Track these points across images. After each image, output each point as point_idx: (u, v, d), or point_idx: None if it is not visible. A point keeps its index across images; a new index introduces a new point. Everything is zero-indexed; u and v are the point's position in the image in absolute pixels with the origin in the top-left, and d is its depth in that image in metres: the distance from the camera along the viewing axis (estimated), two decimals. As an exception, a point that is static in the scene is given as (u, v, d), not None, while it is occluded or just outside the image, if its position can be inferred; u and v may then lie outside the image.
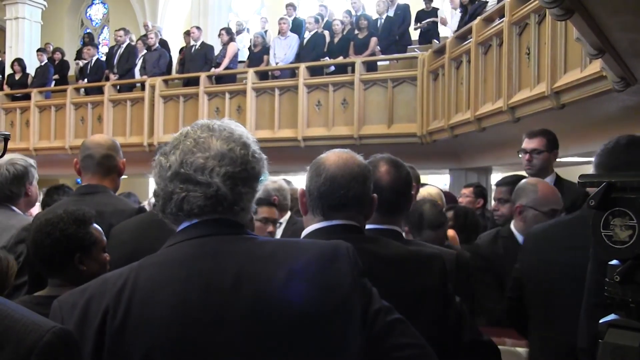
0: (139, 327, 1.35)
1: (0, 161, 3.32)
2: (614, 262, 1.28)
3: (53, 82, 14.76)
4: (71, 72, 15.29)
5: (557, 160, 4.58)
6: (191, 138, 1.48)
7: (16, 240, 3.05)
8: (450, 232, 4.75)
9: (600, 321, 1.29)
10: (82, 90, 14.19)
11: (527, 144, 4.43)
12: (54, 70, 14.88)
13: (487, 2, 9.47)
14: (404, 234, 2.46)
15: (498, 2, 8.34)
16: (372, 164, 2.39)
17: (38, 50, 15.28)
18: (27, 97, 14.41)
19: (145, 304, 1.37)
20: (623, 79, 4.82)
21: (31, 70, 15.19)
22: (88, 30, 18.94)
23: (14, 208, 3.33)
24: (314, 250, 1.45)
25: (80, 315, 1.38)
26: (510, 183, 3.94)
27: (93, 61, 14.42)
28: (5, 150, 1.10)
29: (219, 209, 1.45)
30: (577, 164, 9.51)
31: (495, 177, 11.43)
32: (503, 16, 7.47)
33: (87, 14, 20.28)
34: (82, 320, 1.38)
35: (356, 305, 1.42)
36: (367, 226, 2.30)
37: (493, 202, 4.78)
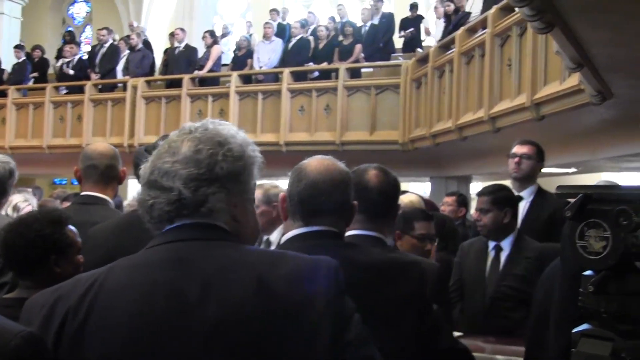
0: (97, 331, 1.32)
1: None
2: (588, 272, 1.30)
3: (32, 80, 14.58)
4: (51, 70, 15.12)
5: (537, 171, 4.62)
6: (167, 143, 1.47)
7: None
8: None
9: (573, 330, 1.31)
10: (62, 89, 14.06)
11: (518, 149, 4.47)
12: (34, 67, 14.67)
13: (471, 13, 9.54)
14: (388, 241, 2.48)
15: (481, 14, 8.41)
16: (360, 170, 2.42)
17: (15, 47, 14.99)
18: (3, 94, 14.16)
19: (106, 307, 1.34)
20: (600, 93, 4.89)
21: (8, 67, 14.91)
22: (70, 29, 18.80)
23: None
24: (292, 264, 1.39)
25: (45, 315, 1.36)
26: (491, 193, 3.97)
27: (75, 60, 14.30)
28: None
29: (184, 213, 1.41)
30: (555, 174, 9.61)
31: (475, 185, 11.50)
32: (486, 27, 7.53)
33: (70, 12, 20.09)
34: (47, 321, 1.35)
35: (323, 331, 1.33)
36: (351, 231, 2.31)
37: (473, 212, 4.82)
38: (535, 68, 6.30)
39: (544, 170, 4.75)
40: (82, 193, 3.24)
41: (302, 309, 1.33)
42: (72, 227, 2.49)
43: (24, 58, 14.70)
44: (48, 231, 2.42)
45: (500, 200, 3.91)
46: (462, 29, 8.50)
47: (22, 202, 3.25)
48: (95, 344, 1.31)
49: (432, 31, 11.31)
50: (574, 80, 5.36)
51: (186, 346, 1.29)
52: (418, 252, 3.32)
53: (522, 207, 4.29)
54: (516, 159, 4.44)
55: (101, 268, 1.43)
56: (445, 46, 9.20)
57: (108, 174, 3.21)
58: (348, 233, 2.32)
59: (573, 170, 9.72)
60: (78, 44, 15.90)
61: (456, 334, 3.19)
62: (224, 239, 1.43)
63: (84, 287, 1.37)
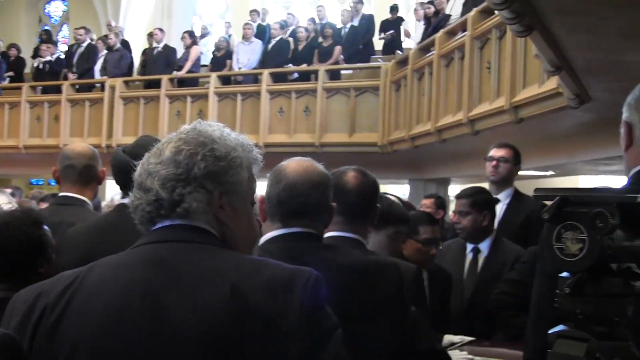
0: (72, 326, 1.33)
1: None
2: (565, 274, 1.31)
3: (7, 79, 14.42)
4: (27, 69, 14.97)
5: (514, 173, 4.65)
6: (157, 146, 1.48)
7: None
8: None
9: (549, 332, 1.32)
10: (39, 88, 13.93)
11: (496, 152, 4.50)
12: (9, 66, 14.52)
13: (451, 15, 9.59)
14: (367, 243, 2.48)
15: (461, 16, 8.45)
16: (339, 172, 2.42)
17: (-12, 46, 14.94)
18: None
19: (83, 304, 1.34)
20: (578, 96, 4.93)
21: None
22: (46, 27, 18.61)
23: None
24: (269, 274, 1.36)
25: (26, 310, 1.37)
26: (470, 195, 3.98)
27: (54, 59, 14.16)
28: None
29: (162, 213, 1.42)
30: (533, 177, 9.68)
31: (454, 188, 11.55)
32: (465, 30, 7.57)
33: (46, 11, 19.85)
34: (27, 315, 1.36)
35: (294, 345, 1.30)
36: (329, 233, 2.32)
37: (451, 214, 4.84)
38: (514, 71, 6.34)
39: (522, 172, 4.78)
40: (60, 194, 3.22)
41: (275, 320, 1.30)
42: (46, 227, 2.47)
43: (-2, 57, 14.54)
44: (36, 233, 2.41)
45: (479, 203, 3.93)
46: (441, 31, 8.54)
47: (6, 203, 3.22)
48: (68, 338, 1.32)
49: (412, 33, 11.34)
50: (553, 83, 5.41)
51: (156, 349, 1.29)
52: (423, 256, 3.32)
53: (499, 210, 4.32)
54: (494, 162, 4.46)
55: (85, 266, 1.43)
56: (425, 48, 9.24)
57: (86, 174, 3.19)
58: (327, 234, 2.32)
59: (551, 173, 9.80)
60: (55, 44, 15.73)
61: (468, 338, 3.20)
62: (203, 241, 1.41)
63: (64, 283, 1.38)
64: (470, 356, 2.92)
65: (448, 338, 3.21)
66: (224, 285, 1.31)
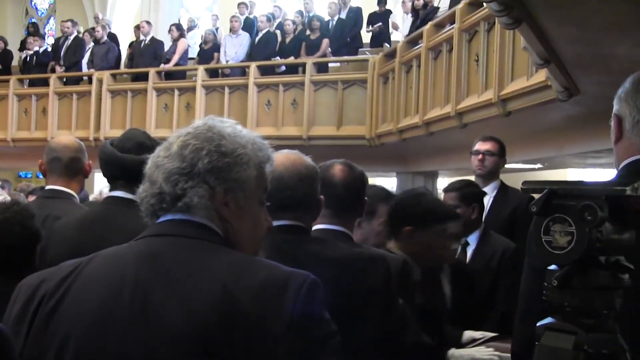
0: (66, 314, 1.33)
1: None
2: (553, 267, 1.31)
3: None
4: (14, 62, 14.89)
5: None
6: (169, 139, 1.48)
7: None
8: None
9: (537, 324, 1.32)
10: (27, 81, 13.85)
11: (481, 145, 4.50)
12: (-5, 59, 14.47)
13: (439, 8, 9.59)
14: (353, 236, 2.48)
15: (449, 9, 8.44)
16: (325, 166, 2.42)
17: (-24, 38, 14.83)
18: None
19: (78, 293, 1.35)
20: (567, 89, 4.94)
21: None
22: (33, 20, 18.49)
23: None
24: (262, 276, 1.32)
25: (28, 296, 1.39)
26: (459, 189, 3.98)
27: (41, 52, 14.07)
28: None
29: (164, 207, 1.41)
30: (521, 170, 9.70)
31: (442, 181, 11.58)
32: (454, 22, 7.57)
33: (33, 3, 19.74)
34: (29, 301, 1.38)
35: (281, 353, 1.26)
36: (317, 226, 2.32)
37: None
38: (502, 64, 6.34)
39: (510, 166, 4.80)
40: (47, 187, 3.22)
41: (263, 324, 1.27)
42: None
43: (-14, 50, 14.46)
44: (34, 226, 2.44)
45: (468, 196, 3.93)
46: (429, 24, 8.52)
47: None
48: (62, 326, 1.33)
49: (400, 26, 11.33)
50: (541, 76, 5.41)
51: (141, 345, 1.28)
52: (447, 252, 3.13)
53: (486, 203, 4.33)
54: (480, 156, 4.47)
55: (87, 256, 1.44)
56: (412, 41, 9.23)
57: (72, 166, 3.18)
58: (314, 227, 2.32)
59: (539, 166, 9.83)
60: (42, 36, 15.64)
61: (489, 334, 3.16)
62: (201, 237, 1.40)
63: (65, 272, 1.40)
64: (498, 353, 2.85)
65: (468, 334, 3.14)
66: (214, 284, 1.30)
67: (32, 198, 5.08)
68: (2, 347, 0.93)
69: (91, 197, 6.68)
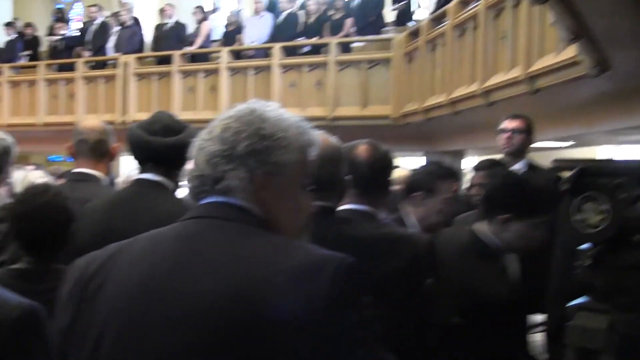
0: (109, 294, 1.36)
1: None
2: (585, 246, 1.28)
3: (25, 58, 14.51)
4: (43, 48, 15.05)
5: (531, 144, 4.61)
6: (213, 123, 1.48)
7: None
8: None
9: (569, 304, 1.30)
10: (55, 66, 13.98)
11: (509, 123, 4.46)
12: (25, 45, 14.63)
13: (464, -15, 9.45)
14: (380, 216, 2.46)
15: (474, -15, 8.33)
16: (350, 146, 2.41)
17: (5, 25, 15.00)
18: (-3, 72, 14.18)
19: (120, 273, 1.37)
20: (598, 65, 4.84)
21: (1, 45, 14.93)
22: (60, 6, 18.61)
23: None
24: (298, 258, 1.30)
25: (79, 274, 1.42)
26: (487, 167, 3.95)
27: (67, 37, 14.19)
28: (-24, 126, 1.07)
29: (205, 189, 1.43)
30: (550, 148, 9.59)
31: (468, 160, 11.49)
32: (479, -1, 7.47)
33: (59, -11, 19.90)
34: (78, 280, 1.41)
35: (309, 341, 1.23)
36: (344, 206, 2.31)
37: (466, 186, 4.80)
38: (530, 40, 6.24)
39: (538, 144, 4.74)
40: (75, 170, 3.25)
41: (297, 309, 1.24)
42: None
43: (16, 36, 14.61)
44: (72, 209, 2.51)
45: (496, 175, 3.90)
46: (454, 1, 8.41)
47: (39, 178, 3.31)
48: (104, 306, 1.35)
49: (424, 4, 11.21)
50: (571, 52, 5.31)
51: (177, 324, 1.29)
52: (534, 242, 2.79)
53: (514, 181, 4.29)
54: (507, 134, 4.43)
55: (131, 238, 1.46)
56: (437, 19, 9.12)
57: (99, 148, 3.21)
58: (340, 208, 2.31)
59: (568, 144, 9.70)
60: (68, 22, 15.77)
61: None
62: (238, 219, 1.39)
63: (109, 252, 1.43)
64: None
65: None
66: (249, 266, 1.29)
67: (61, 181, 5.14)
68: (36, 325, 0.95)
69: (118, 180, 6.73)
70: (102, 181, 3.23)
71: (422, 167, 3.55)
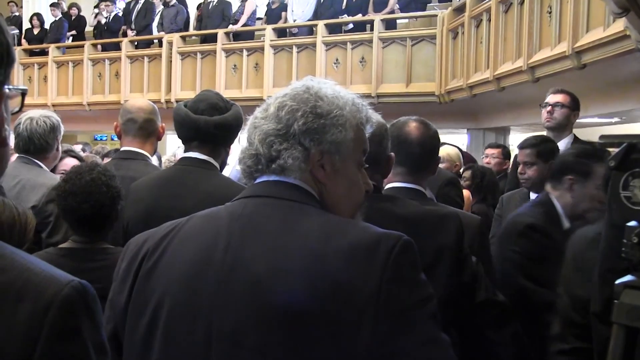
0: (164, 271, 1.37)
1: (32, 114, 3.47)
2: (633, 223, 1.27)
3: (70, 38, 14.74)
4: (87, 28, 15.25)
5: (577, 120, 4.54)
6: (267, 101, 1.47)
7: (47, 199, 3.13)
8: (465, 193, 4.74)
9: (616, 282, 1.29)
10: (100, 46, 14.18)
11: (552, 98, 4.39)
12: (71, 25, 14.86)
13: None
14: (427, 193, 2.47)
15: (520, -41, 8.18)
16: (400, 123, 2.40)
17: (51, 5, 15.25)
18: (44, 52, 14.44)
19: (175, 251, 1.38)
20: (648, 38, 4.73)
21: (48, 25, 15.17)
22: (105, -14, 18.80)
23: (42, 165, 3.41)
24: (353, 236, 1.29)
25: (134, 253, 1.43)
26: (536, 145, 3.89)
27: (111, 17, 14.37)
28: (22, 105, 1.10)
29: (259, 168, 1.42)
30: (597, 124, 9.42)
31: (513, 137, 11.35)
32: (525, -26, 7.34)
33: (104, -31, 20.07)
34: (133, 258, 1.42)
35: (367, 322, 1.22)
36: (391, 184, 2.32)
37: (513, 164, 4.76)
38: (576, 14, 6.13)
39: (585, 120, 4.66)
40: (122, 148, 3.30)
41: (353, 288, 1.23)
42: None
43: (60, 16, 14.83)
44: (117, 187, 2.55)
45: (545, 152, 3.85)
46: (500, -24, 8.29)
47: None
48: (160, 283, 1.37)
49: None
50: (619, 25, 5.20)
51: (230, 303, 1.29)
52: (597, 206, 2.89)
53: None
54: (548, 108, 4.35)
55: (186, 217, 1.47)
56: (482, -5, 9.01)
57: (146, 128, 3.25)
58: (388, 185, 2.32)
59: (616, 120, 9.52)
60: (113, 1, 15.93)
61: None
62: (293, 198, 1.39)
63: (166, 230, 1.44)
64: None
65: None
66: (304, 245, 1.29)
67: (107, 160, 5.23)
68: (86, 303, 0.97)
69: (164, 159, 6.83)
70: (149, 160, 3.27)
71: (572, 148, 3.38)
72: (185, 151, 2.73)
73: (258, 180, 1.43)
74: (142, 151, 3.24)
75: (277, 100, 1.43)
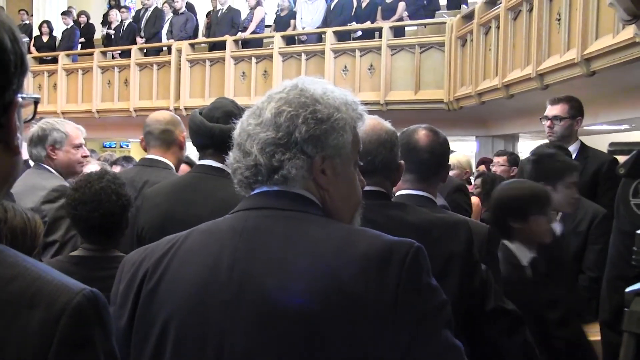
0: (167, 291, 1.32)
1: (47, 122, 3.59)
2: (643, 231, 1.27)
3: (80, 46, 14.82)
4: (97, 35, 15.32)
5: (586, 127, 4.51)
6: (257, 105, 1.41)
7: (44, 200, 3.17)
8: (475, 200, 4.75)
9: (627, 290, 1.29)
10: (109, 53, 14.24)
11: (550, 110, 4.37)
12: (80, 33, 14.93)
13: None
14: (438, 201, 2.47)
15: (529, -33, 8.17)
16: (410, 131, 2.41)
17: (62, 14, 15.35)
18: (54, 60, 14.51)
19: (178, 270, 1.33)
20: (657, 46, 4.73)
21: (58, 33, 15.25)
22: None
23: (51, 170, 3.44)
24: (364, 246, 1.25)
25: (133, 272, 1.38)
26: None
27: (125, 25, 14.43)
28: (35, 113, 1.10)
29: (259, 179, 1.36)
30: (606, 132, 9.39)
31: (522, 144, 11.33)
32: (534, -19, 7.34)
33: (114, -23, 20.17)
34: (133, 277, 1.37)
35: (384, 332, 1.19)
36: (401, 191, 2.31)
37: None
38: (585, 21, 6.11)
39: (594, 127, 4.64)
40: (145, 157, 3.41)
41: (368, 301, 1.20)
42: None
43: (72, 24, 14.91)
44: (127, 195, 2.57)
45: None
46: (509, -17, 8.29)
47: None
48: (163, 306, 1.31)
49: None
50: (629, 32, 5.19)
51: (238, 323, 1.25)
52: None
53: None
54: (548, 122, 4.33)
55: (185, 231, 1.41)
56: (491, 2, 9.00)
57: (164, 138, 3.34)
58: (398, 193, 2.32)
59: (625, 127, 9.49)
60: (127, 9, 16.01)
61: None
62: (299, 209, 1.34)
63: (165, 247, 1.38)
64: None
65: None
66: (313, 260, 1.25)
67: (116, 168, 5.25)
68: (97, 311, 0.97)
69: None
70: (171, 168, 3.32)
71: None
72: (200, 159, 2.73)
73: (257, 191, 1.38)
74: (164, 159, 3.32)
75: (270, 104, 1.37)
